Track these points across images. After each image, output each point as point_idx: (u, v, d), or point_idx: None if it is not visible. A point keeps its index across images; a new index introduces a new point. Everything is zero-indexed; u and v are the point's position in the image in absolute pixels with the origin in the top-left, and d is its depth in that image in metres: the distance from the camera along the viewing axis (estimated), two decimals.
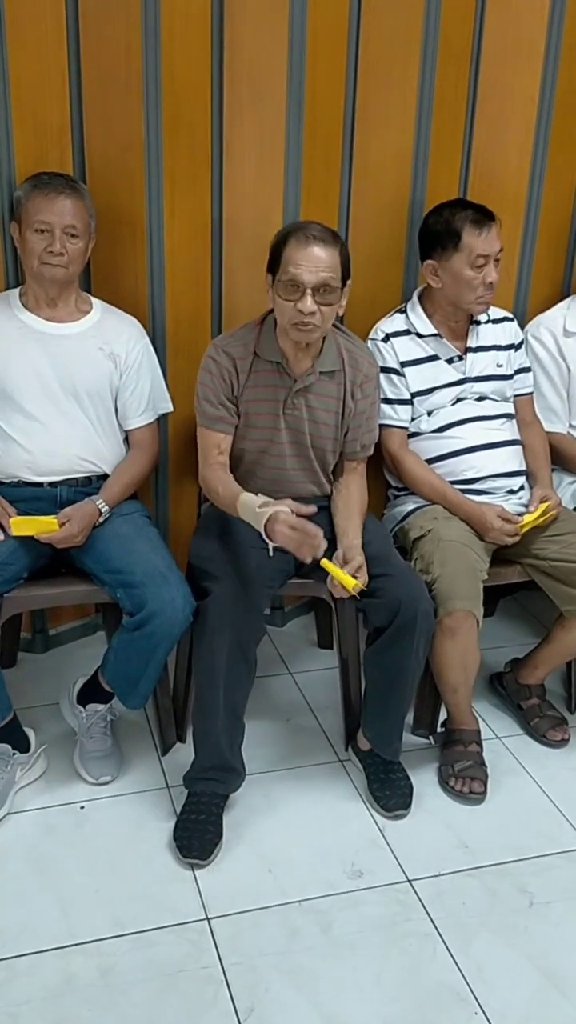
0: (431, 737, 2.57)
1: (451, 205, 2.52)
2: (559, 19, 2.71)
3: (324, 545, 2.03)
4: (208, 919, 2.01)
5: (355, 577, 2.16)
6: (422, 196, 2.73)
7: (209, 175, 2.54)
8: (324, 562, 2.15)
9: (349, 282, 2.23)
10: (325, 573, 2.18)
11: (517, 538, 2.46)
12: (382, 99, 2.63)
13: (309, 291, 2.13)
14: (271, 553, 2.28)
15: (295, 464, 2.38)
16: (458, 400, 2.58)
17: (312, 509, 2.07)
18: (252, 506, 2.10)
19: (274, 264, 2.19)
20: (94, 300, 2.45)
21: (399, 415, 2.57)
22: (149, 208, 2.52)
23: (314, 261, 2.12)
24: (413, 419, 2.59)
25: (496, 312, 2.69)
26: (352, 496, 2.41)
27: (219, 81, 2.47)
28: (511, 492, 2.57)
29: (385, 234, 2.77)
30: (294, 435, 2.35)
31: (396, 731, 2.37)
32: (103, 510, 2.35)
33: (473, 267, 2.46)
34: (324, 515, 2.42)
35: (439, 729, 2.56)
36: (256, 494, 2.16)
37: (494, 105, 2.74)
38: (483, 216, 2.45)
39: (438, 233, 2.49)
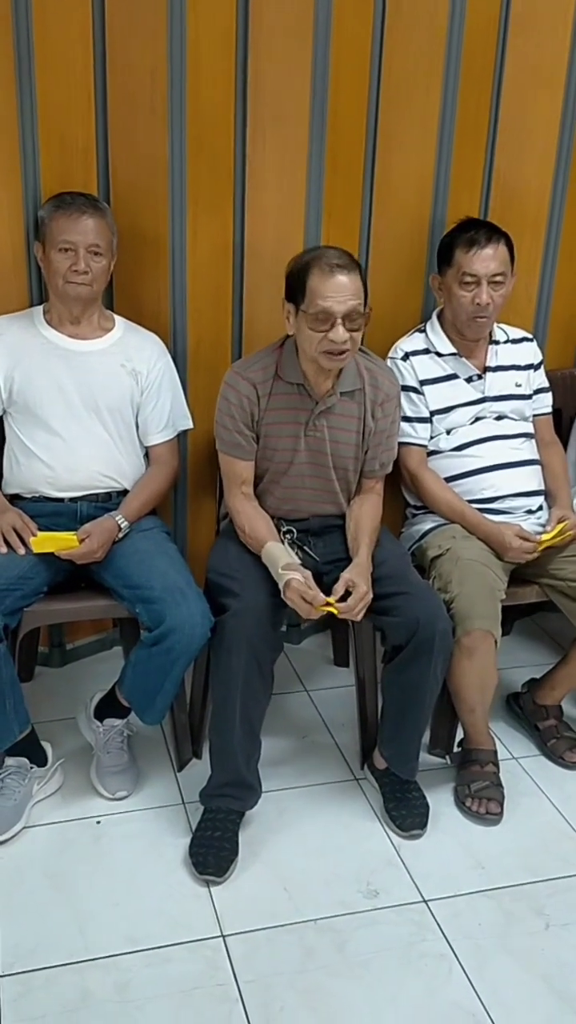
0: (448, 757, 2.56)
1: (463, 222, 2.55)
2: None
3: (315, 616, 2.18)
4: (223, 936, 2.01)
5: (347, 591, 2.18)
6: (442, 218, 2.75)
7: (231, 197, 2.57)
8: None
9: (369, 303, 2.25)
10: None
11: (536, 554, 2.46)
12: (403, 123, 2.66)
13: (340, 320, 2.14)
14: None
15: (315, 484, 2.40)
16: (477, 419, 2.59)
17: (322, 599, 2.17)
18: (275, 564, 2.22)
19: (295, 294, 2.19)
20: (117, 318, 2.48)
21: (418, 433, 2.58)
22: (172, 228, 2.55)
23: (341, 290, 2.13)
24: (432, 437, 2.60)
25: (515, 332, 2.70)
26: (364, 516, 2.41)
27: (243, 104, 2.50)
28: (529, 512, 2.57)
29: (405, 255, 2.79)
30: (315, 456, 2.36)
31: (413, 750, 2.37)
32: (122, 526, 2.36)
33: (461, 285, 2.48)
34: (339, 533, 2.43)
35: (456, 749, 2.55)
36: (282, 540, 2.31)
37: (515, 129, 2.76)
38: (481, 236, 2.46)
39: (441, 247, 2.55)
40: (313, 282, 2.15)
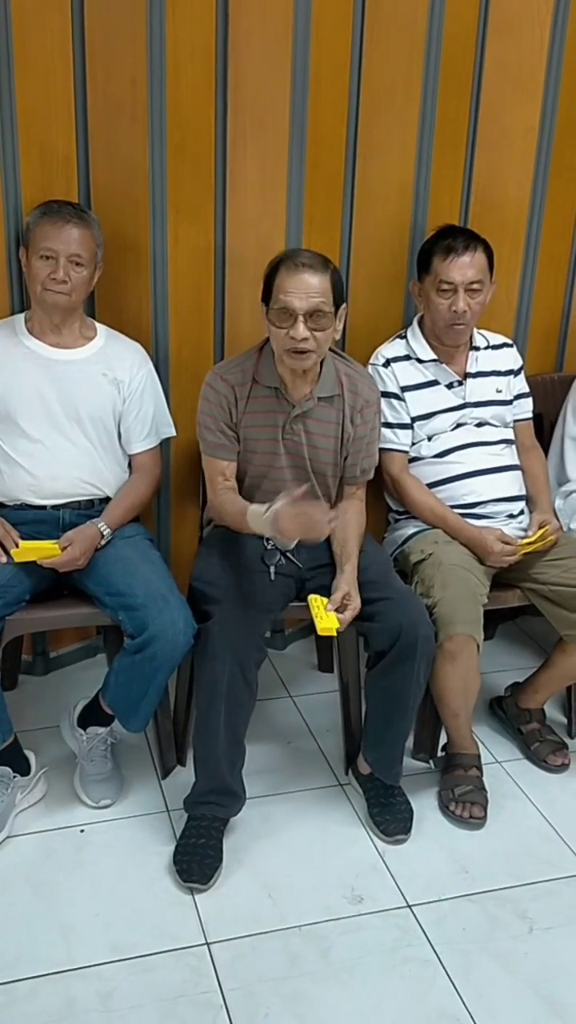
0: (431, 761, 2.57)
1: (441, 229, 2.56)
2: (559, 49, 2.75)
3: (330, 526, 2.06)
4: (208, 944, 2.01)
5: (344, 604, 2.18)
6: (423, 224, 2.76)
7: (212, 203, 2.57)
8: (311, 599, 2.19)
9: (344, 306, 2.25)
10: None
11: (517, 559, 2.46)
12: (383, 128, 2.67)
13: (301, 317, 2.15)
14: (272, 576, 2.31)
15: (296, 488, 2.39)
16: (458, 425, 2.60)
17: (303, 489, 2.11)
18: (259, 515, 2.13)
19: (267, 293, 2.22)
20: (99, 326, 2.47)
21: (400, 439, 2.59)
22: (153, 235, 2.55)
23: (304, 287, 2.15)
24: (413, 444, 2.60)
25: (495, 338, 2.71)
26: (349, 522, 2.41)
27: (223, 111, 2.51)
28: (511, 517, 2.58)
29: (386, 261, 2.80)
30: (294, 460, 2.37)
31: (397, 755, 2.37)
32: (105, 533, 2.36)
33: (438, 292, 2.49)
34: (322, 542, 2.42)
35: (439, 753, 2.56)
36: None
37: (495, 133, 2.78)
38: (459, 243, 2.47)
39: (420, 254, 2.56)
40: (279, 279, 2.17)
